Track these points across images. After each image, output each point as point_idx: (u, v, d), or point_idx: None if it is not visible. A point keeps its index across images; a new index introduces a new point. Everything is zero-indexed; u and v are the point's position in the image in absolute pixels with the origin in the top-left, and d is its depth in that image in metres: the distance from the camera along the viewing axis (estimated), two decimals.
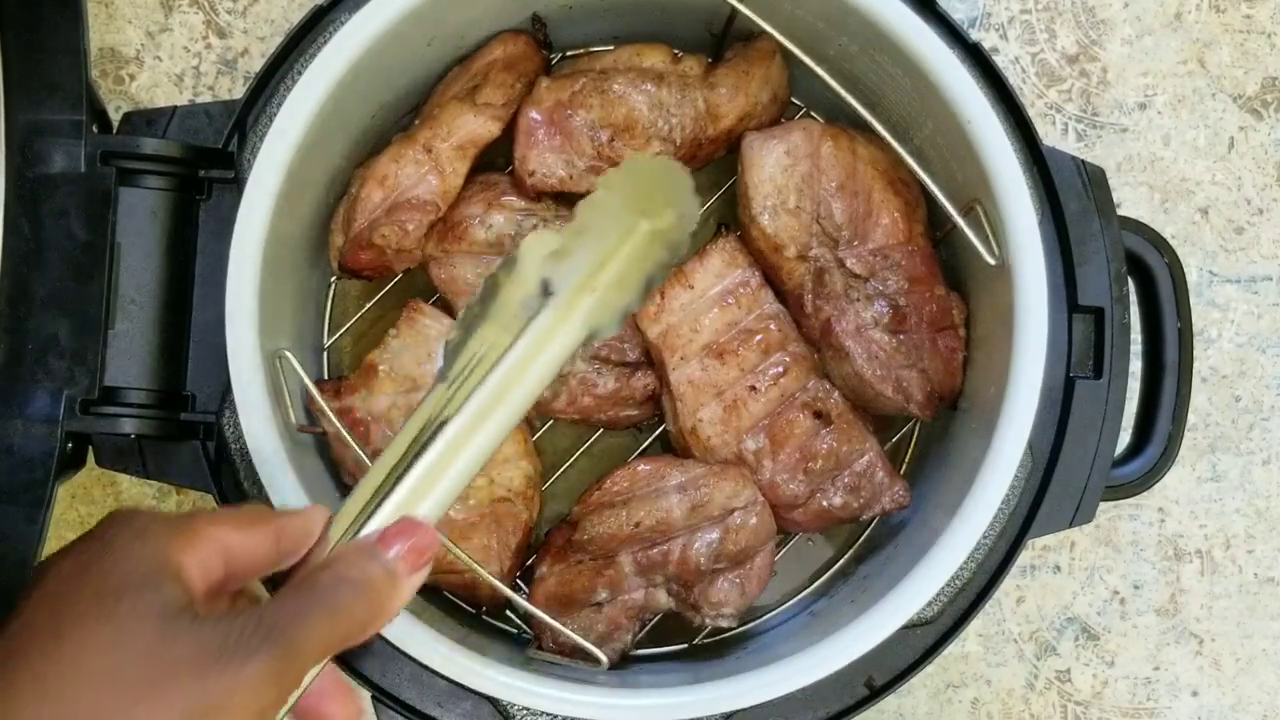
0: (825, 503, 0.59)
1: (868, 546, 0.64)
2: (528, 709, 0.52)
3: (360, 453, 0.53)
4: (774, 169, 0.57)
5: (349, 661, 0.53)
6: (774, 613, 0.64)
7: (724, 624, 0.59)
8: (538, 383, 0.45)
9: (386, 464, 0.43)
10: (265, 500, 0.52)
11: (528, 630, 0.62)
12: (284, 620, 0.36)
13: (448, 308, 0.59)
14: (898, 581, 0.52)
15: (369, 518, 0.42)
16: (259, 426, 0.52)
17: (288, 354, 0.53)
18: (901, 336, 0.57)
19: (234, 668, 0.34)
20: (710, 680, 0.52)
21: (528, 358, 0.45)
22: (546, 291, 0.46)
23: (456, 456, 0.43)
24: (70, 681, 0.34)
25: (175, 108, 0.56)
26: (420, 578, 0.41)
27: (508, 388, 0.45)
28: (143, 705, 0.33)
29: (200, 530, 0.38)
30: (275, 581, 0.41)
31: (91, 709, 0.33)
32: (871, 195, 0.58)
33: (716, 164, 0.64)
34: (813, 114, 0.66)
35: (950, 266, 0.62)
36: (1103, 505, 0.59)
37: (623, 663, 0.60)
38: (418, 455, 0.43)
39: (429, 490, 0.43)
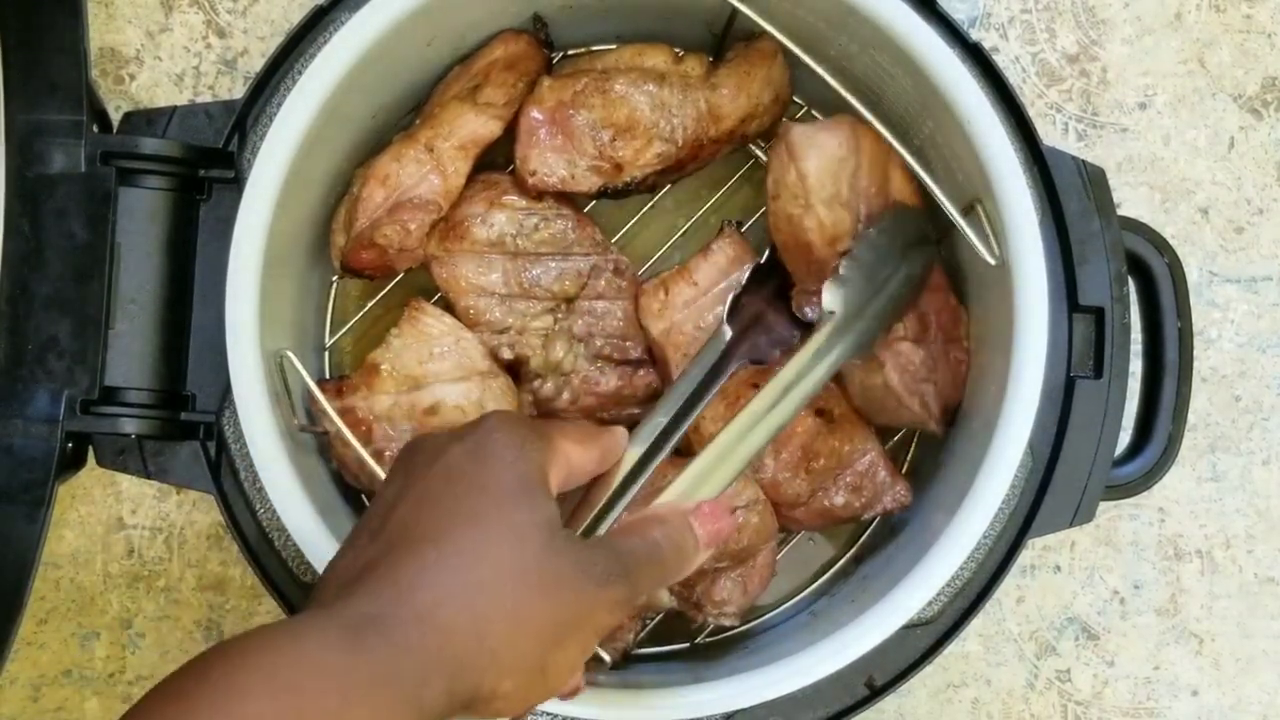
0: (827, 502, 0.59)
1: (869, 546, 0.64)
2: None
3: (362, 452, 0.53)
4: (830, 160, 0.56)
5: None
6: (775, 612, 0.64)
7: (726, 623, 0.59)
8: (821, 379, 0.52)
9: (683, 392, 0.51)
10: (265, 500, 0.52)
11: None
12: (632, 561, 0.40)
13: (449, 307, 0.59)
14: (898, 581, 0.52)
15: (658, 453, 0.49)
16: (259, 426, 0.51)
17: (288, 354, 0.53)
18: (922, 348, 0.57)
19: (600, 591, 0.38)
20: (711, 680, 0.52)
21: (813, 361, 0.52)
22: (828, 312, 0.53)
23: (753, 433, 0.50)
24: (485, 567, 0.37)
25: (175, 108, 0.56)
26: (709, 555, 0.45)
27: (799, 381, 0.51)
28: (540, 604, 0.37)
29: (558, 446, 0.42)
30: None
31: (505, 597, 0.36)
32: (892, 198, 0.57)
33: (717, 163, 0.64)
34: (814, 113, 0.66)
35: (950, 266, 0.62)
36: (1103, 505, 0.59)
37: (624, 662, 0.60)
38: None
39: (720, 469, 0.49)
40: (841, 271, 0.53)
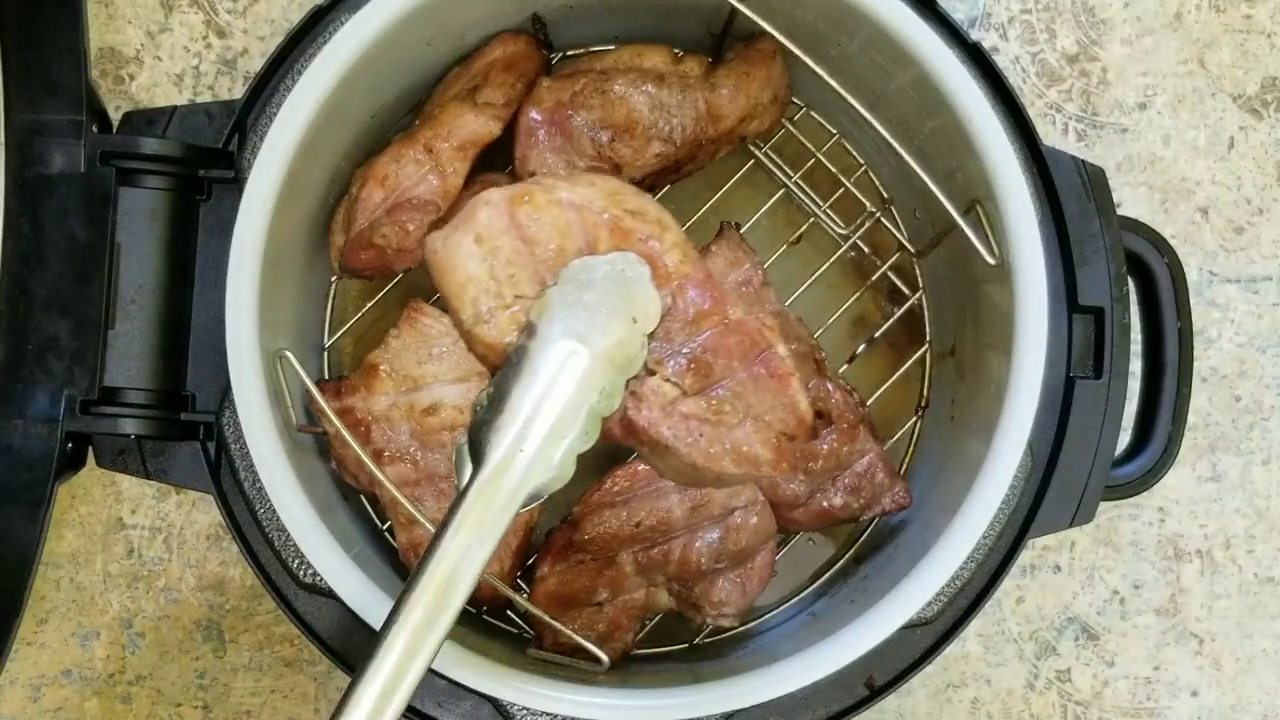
0: (826, 503, 0.59)
1: (868, 546, 0.64)
2: (528, 709, 0.52)
3: (361, 453, 0.53)
4: (469, 264, 0.46)
5: (348, 663, 0.53)
6: (774, 612, 0.64)
7: (725, 623, 0.59)
8: (472, 577, 0.42)
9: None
10: (264, 500, 0.52)
11: (528, 630, 0.62)
12: None
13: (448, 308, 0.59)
14: (898, 581, 0.52)
15: None
16: (259, 426, 0.51)
17: (288, 354, 0.53)
18: (716, 391, 0.47)
19: None
20: (710, 680, 0.52)
21: (459, 552, 0.41)
22: (476, 458, 0.42)
23: (409, 667, 0.41)
24: None
25: (175, 108, 0.55)
26: None
27: (440, 596, 0.42)
28: None
29: None
30: None
31: None
32: (599, 242, 0.46)
33: (716, 163, 0.64)
34: (813, 113, 0.66)
35: (950, 266, 0.62)
36: (1103, 505, 0.59)
37: (623, 662, 0.60)
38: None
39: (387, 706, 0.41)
40: (476, 415, 0.43)
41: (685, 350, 0.45)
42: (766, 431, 0.47)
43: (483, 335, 0.43)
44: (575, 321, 0.42)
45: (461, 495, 0.41)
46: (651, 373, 0.44)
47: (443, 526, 0.41)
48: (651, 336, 0.43)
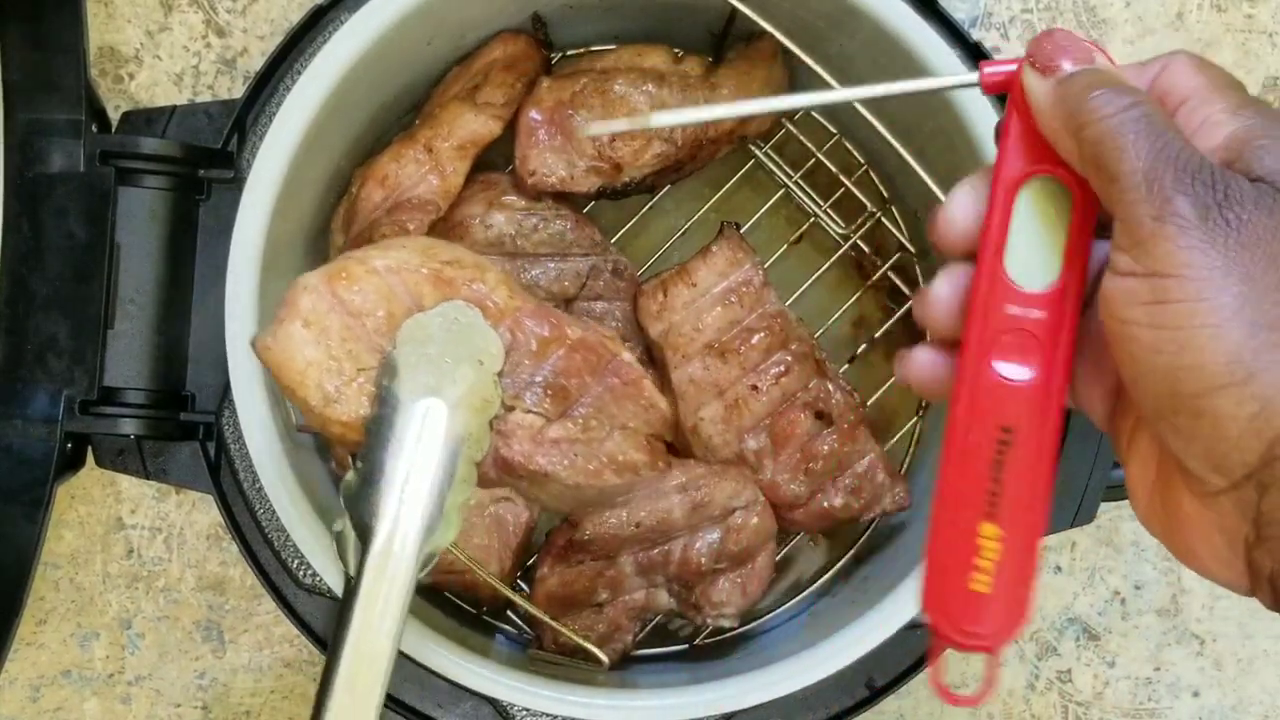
0: (826, 503, 0.59)
1: (868, 547, 0.64)
2: (528, 709, 0.52)
3: None
4: (304, 350, 0.43)
5: None
6: (774, 613, 0.64)
7: (725, 624, 0.59)
8: (389, 652, 0.41)
9: None
10: (264, 500, 0.52)
11: (528, 630, 0.62)
12: None
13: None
14: (898, 582, 0.52)
15: None
16: (259, 426, 0.51)
17: None
18: (577, 411, 0.46)
19: None
20: (710, 680, 0.52)
21: (363, 630, 0.41)
22: (363, 537, 0.42)
23: None
24: None
25: (175, 107, 0.55)
26: None
27: (354, 677, 0.41)
28: None
29: None
30: None
31: None
32: (424, 298, 0.45)
33: (716, 163, 0.64)
34: (813, 113, 0.66)
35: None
36: (1104, 505, 0.58)
37: (623, 663, 0.60)
38: None
39: None
40: (349, 495, 0.43)
41: (538, 379, 0.45)
42: (635, 436, 0.47)
43: (337, 415, 0.43)
44: (424, 377, 0.43)
45: (358, 579, 0.42)
46: (511, 408, 0.44)
47: (346, 611, 0.41)
48: (501, 374, 0.44)
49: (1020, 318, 0.33)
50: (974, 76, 0.34)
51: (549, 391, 0.45)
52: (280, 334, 0.43)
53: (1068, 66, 0.32)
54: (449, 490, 0.42)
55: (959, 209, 0.35)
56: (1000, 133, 0.34)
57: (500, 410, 0.44)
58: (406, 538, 0.42)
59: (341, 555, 0.43)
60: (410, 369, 0.43)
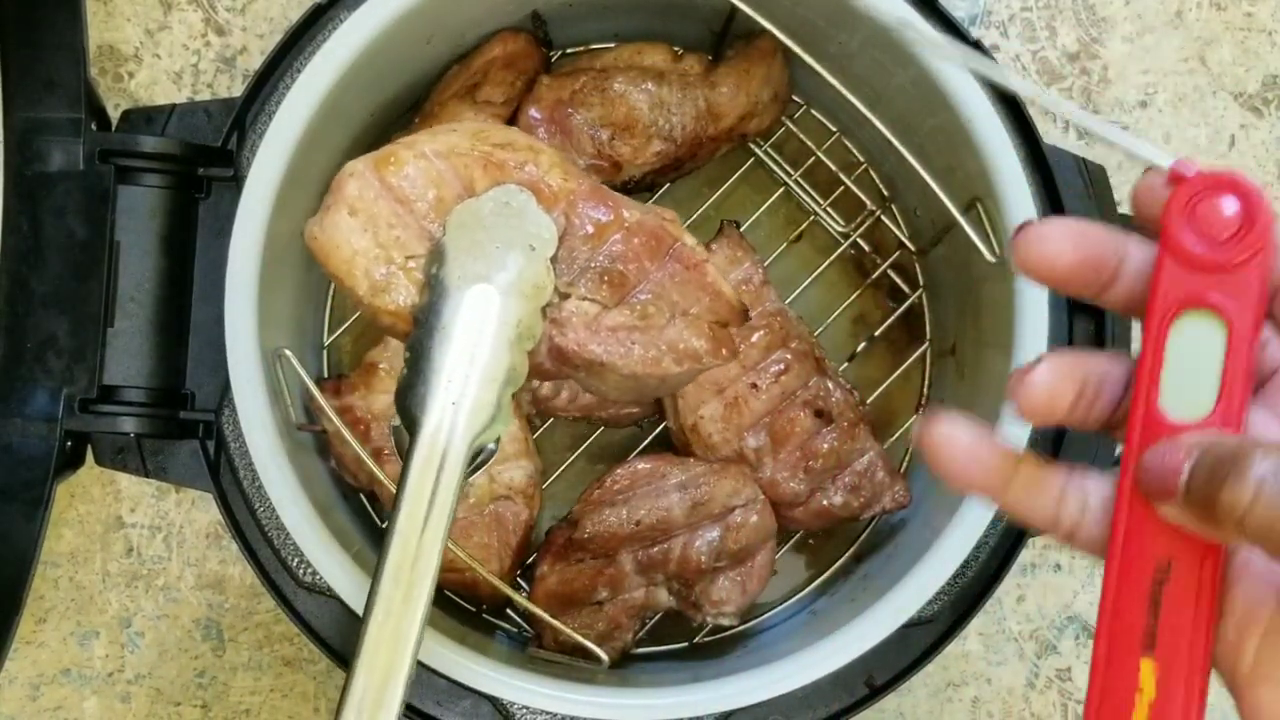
0: (826, 501, 0.59)
1: (868, 545, 0.64)
2: (528, 708, 0.52)
3: (360, 451, 0.53)
4: (351, 239, 0.43)
5: (345, 659, 0.53)
6: (774, 611, 0.64)
7: (725, 622, 0.59)
8: (437, 551, 0.40)
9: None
10: (264, 498, 0.52)
11: (528, 629, 0.62)
12: None
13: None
14: (898, 580, 0.52)
15: None
16: (258, 425, 0.51)
17: (287, 352, 0.53)
18: (636, 297, 0.44)
19: None
20: (710, 679, 0.52)
21: (417, 527, 0.40)
22: (411, 428, 0.41)
23: (399, 657, 0.40)
24: None
25: (174, 106, 0.55)
26: None
27: (411, 574, 0.40)
28: None
29: None
30: None
31: None
32: (475, 183, 0.44)
33: (716, 161, 0.64)
34: (813, 111, 0.66)
35: (951, 264, 0.62)
36: None
37: (623, 661, 0.60)
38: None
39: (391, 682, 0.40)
40: (400, 386, 0.41)
41: (593, 265, 0.43)
42: (698, 324, 0.44)
43: (384, 304, 0.42)
44: (473, 264, 0.41)
45: (405, 470, 0.40)
46: (566, 296, 0.42)
47: (395, 507, 0.40)
48: (555, 260, 0.42)
49: None
50: (1167, 161, 0.34)
51: (606, 278, 0.43)
52: (327, 222, 0.42)
53: None
54: (500, 381, 0.41)
55: (1044, 381, 0.34)
56: (1155, 269, 0.34)
57: (554, 298, 0.42)
58: (455, 429, 0.40)
59: (396, 448, 0.42)
60: (459, 255, 0.41)
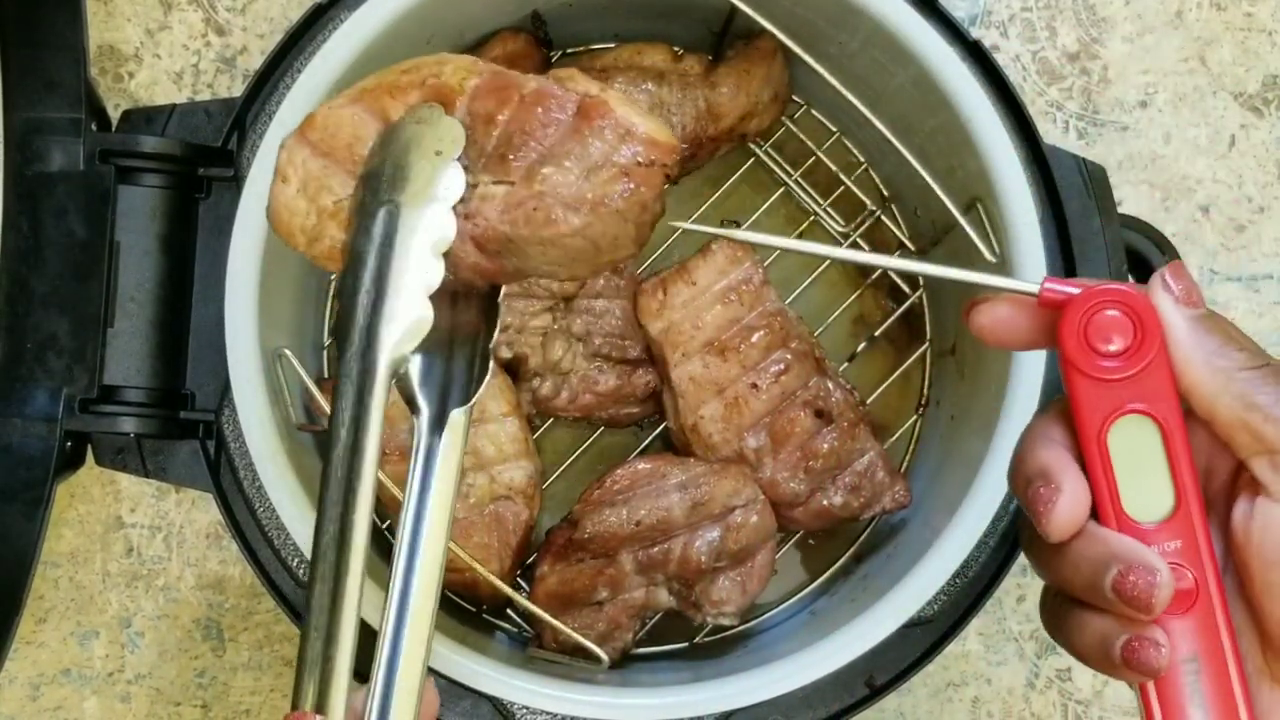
0: (826, 501, 0.59)
1: (868, 545, 0.64)
2: (528, 708, 0.52)
3: None
4: (286, 203, 0.43)
5: None
6: (774, 611, 0.64)
7: (725, 622, 0.59)
8: (372, 445, 0.40)
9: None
10: (264, 498, 0.52)
11: (528, 629, 0.62)
12: None
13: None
14: (898, 580, 0.52)
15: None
16: (258, 425, 0.51)
17: (287, 352, 0.53)
18: (530, 161, 0.41)
19: None
20: (710, 679, 0.52)
21: (350, 424, 0.40)
22: (342, 337, 0.41)
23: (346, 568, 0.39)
24: None
25: (174, 106, 0.55)
26: None
27: (350, 472, 0.40)
28: None
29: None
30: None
31: None
32: (390, 113, 0.43)
33: (716, 161, 0.64)
34: (813, 111, 0.66)
35: (950, 264, 0.61)
36: None
37: (623, 661, 0.60)
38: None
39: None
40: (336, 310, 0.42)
41: (494, 147, 0.41)
42: (609, 169, 0.40)
43: (318, 251, 0.43)
44: (383, 186, 0.42)
45: (336, 395, 0.41)
46: (474, 186, 0.42)
47: (329, 438, 0.41)
48: (465, 160, 0.42)
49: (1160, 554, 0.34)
50: (1034, 288, 0.35)
51: (506, 155, 0.41)
52: (269, 197, 0.43)
53: (1193, 307, 0.35)
54: (416, 288, 0.41)
55: (1069, 512, 0.35)
56: (1068, 388, 0.35)
57: (466, 193, 0.42)
58: (374, 341, 0.41)
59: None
60: (371, 181, 0.42)
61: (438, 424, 0.42)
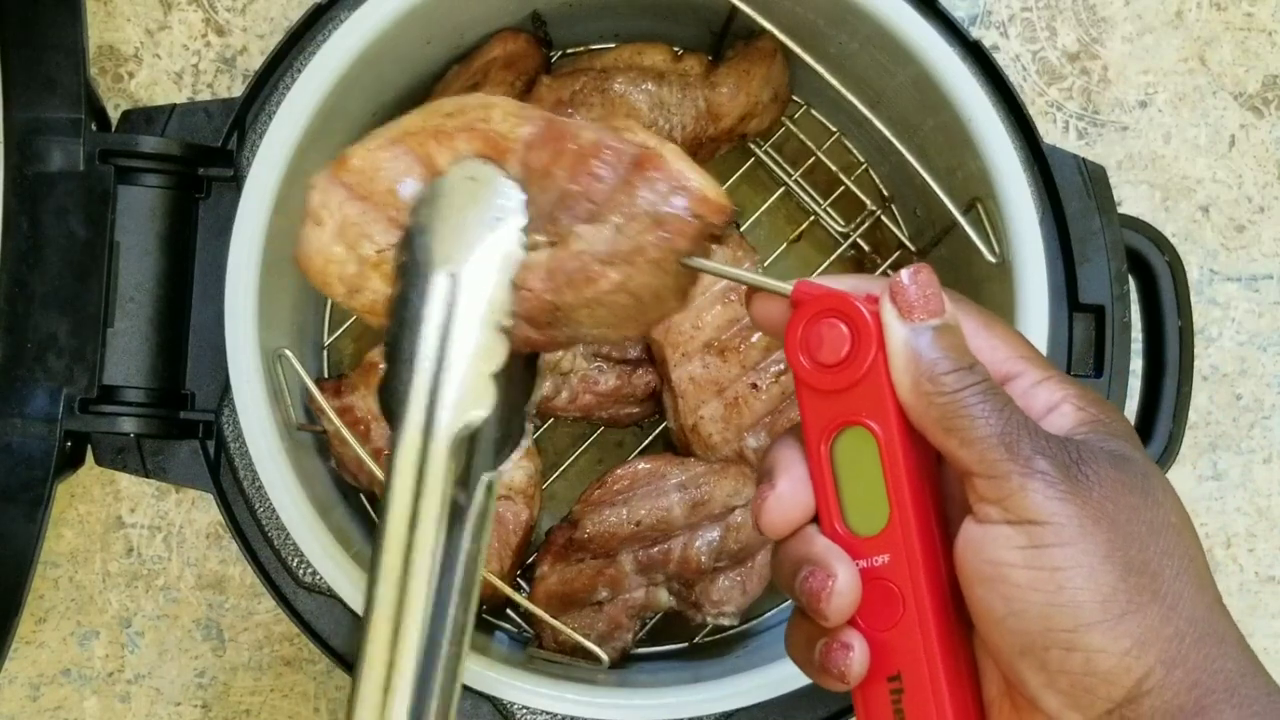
0: None
1: None
2: (528, 708, 0.52)
3: (360, 451, 0.53)
4: (322, 249, 0.41)
5: (349, 662, 0.53)
6: (774, 611, 0.64)
7: (725, 622, 0.59)
8: (431, 538, 0.38)
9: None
10: (264, 498, 0.52)
11: (528, 629, 0.62)
12: None
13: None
14: None
15: None
16: (258, 425, 0.51)
17: (287, 352, 0.53)
18: (578, 220, 0.38)
19: None
20: (711, 679, 0.52)
21: (406, 519, 0.38)
22: (392, 422, 0.38)
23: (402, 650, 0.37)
24: None
25: (174, 106, 0.55)
26: None
27: (403, 563, 0.38)
28: None
29: None
30: None
31: None
32: (435, 159, 0.41)
33: (715, 161, 0.64)
34: (813, 111, 0.66)
35: (951, 264, 0.61)
36: None
37: (623, 661, 0.60)
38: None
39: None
40: (383, 371, 0.40)
41: (547, 207, 0.39)
42: (643, 220, 0.38)
43: (360, 304, 0.40)
44: (439, 246, 0.39)
45: (390, 472, 0.38)
46: (533, 249, 0.39)
47: (383, 507, 0.38)
48: (525, 228, 0.39)
49: (868, 569, 0.34)
50: (788, 288, 0.35)
51: (557, 215, 0.39)
52: (301, 241, 0.41)
53: (920, 319, 0.33)
54: (467, 359, 0.39)
55: (786, 498, 0.35)
56: (797, 396, 0.35)
57: (524, 257, 0.39)
58: (435, 417, 0.38)
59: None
60: (425, 239, 0.39)
61: (461, 485, 0.39)
